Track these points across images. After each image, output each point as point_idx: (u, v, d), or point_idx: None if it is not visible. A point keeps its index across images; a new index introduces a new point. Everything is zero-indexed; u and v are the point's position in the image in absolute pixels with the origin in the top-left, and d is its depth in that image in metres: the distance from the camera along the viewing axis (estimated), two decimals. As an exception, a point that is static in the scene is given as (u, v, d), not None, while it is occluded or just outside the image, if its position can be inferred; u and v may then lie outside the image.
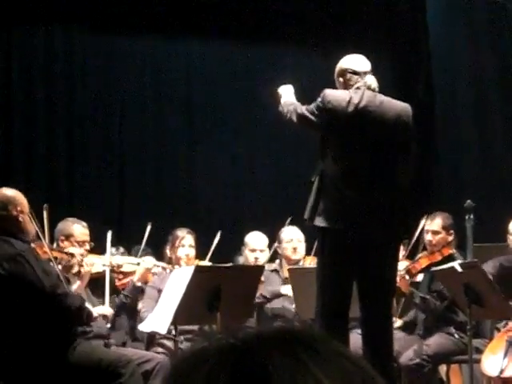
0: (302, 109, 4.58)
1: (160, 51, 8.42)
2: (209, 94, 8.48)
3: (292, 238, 6.31)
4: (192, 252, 5.98)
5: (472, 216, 5.59)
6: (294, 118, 4.57)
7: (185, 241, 5.97)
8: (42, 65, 7.98)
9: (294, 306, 5.80)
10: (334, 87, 4.63)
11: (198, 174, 8.39)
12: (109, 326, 5.42)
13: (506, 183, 7.95)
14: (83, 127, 8.04)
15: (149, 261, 5.72)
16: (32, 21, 7.83)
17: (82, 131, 8.04)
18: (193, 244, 6.00)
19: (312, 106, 4.54)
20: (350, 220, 4.37)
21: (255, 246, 6.36)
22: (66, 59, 8.06)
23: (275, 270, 6.30)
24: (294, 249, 6.29)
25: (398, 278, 5.52)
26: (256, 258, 6.30)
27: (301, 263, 6.25)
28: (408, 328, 6.06)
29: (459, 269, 5.08)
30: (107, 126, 8.18)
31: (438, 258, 5.70)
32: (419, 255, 5.89)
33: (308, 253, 6.32)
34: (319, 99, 4.50)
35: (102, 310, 5.36)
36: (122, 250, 6.21)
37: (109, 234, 5.62)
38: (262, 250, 6.35)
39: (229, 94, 8.48)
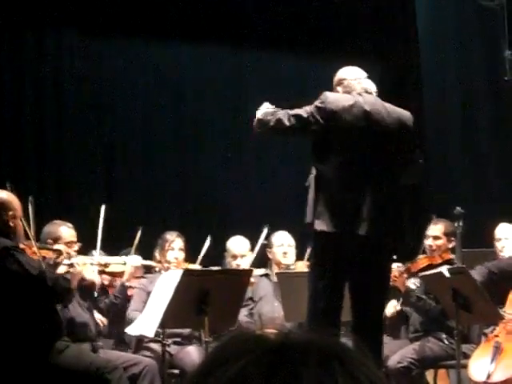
0: (295, 110, 4.45)
1: (150, 54, 8.41)
2: (199, 97, 8.49)
3: (283, 242, 6.28)
4: (181, 255, 5.98)
5: (461, 223, 5.62)
6: (286, 121, 4.38)
7: (174, 244, 5.96)
8: (32, 67, 7.96)
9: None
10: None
11: (187, 177, 8.39)
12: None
13: (493, 189, 7.98)
14: (73, 130, 8.01)
15: (135, 259, 5.69)
16: (22, 23, 7.81)
17: (71, 134, 8.01)
18: (182, 247, 5.99)
19: (308, 108, 4.44)
20: (350, 224, 4.35)
21: (236, 251, 6.32)
22: (56, 62, 8.04)
23: (266, 275, 6.28)
24: (285, 253, 6.25)
25: (397, 274, 5.55)
26: (237, 265, 6.25)
27: (292, 267, 6.24)
28: (394, 331, 6.08)
29: (447, 274, 5.09)
30: (97, 129, 8.17)
31: (438, 260, 5.71)
32: (419, 256, 5.91)
33: (299, 258, 6.32)
34: (318, 101, 4.44)
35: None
36: (103, 253, 6.12)
37: (102, 209, 5.61)
38: (242, 256, 6.30)
39: (219, 98, 8.49)
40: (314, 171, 4.46)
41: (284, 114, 4.43)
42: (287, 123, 4.41)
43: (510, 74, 7.22)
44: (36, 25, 7.92)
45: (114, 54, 8.26)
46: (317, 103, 4.44)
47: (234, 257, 6.31)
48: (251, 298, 6.08)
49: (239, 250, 6.33)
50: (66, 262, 5.05)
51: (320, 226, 4.35)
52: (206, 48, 8.46)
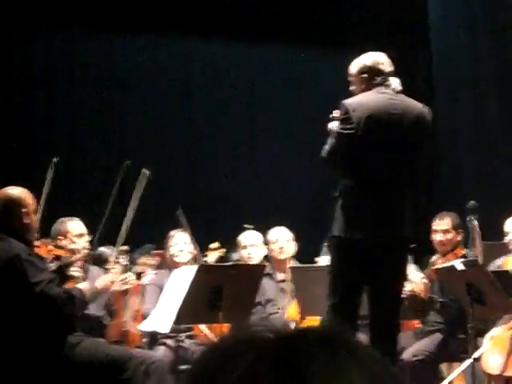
0: (332, 136, 4.38)
1: (160, 50, 8.42)
2: (209, 92, 8.50)
3: (278, 238, 6.30)
4: (187, 247, 5.93)
5: (475, 216, 5.60)
6: (327, 146, 4.35)
7: (176, 239, 5.95)
8: (43, 65, 7.98)
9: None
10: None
11: (199, 170, 8.41)
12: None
13: (506, 182, 7.95)
14: (83, 127, 8.04)
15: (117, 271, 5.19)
16: (32, 21, 7.82)
17: (82, 131, 8.03)
18: (186, 241, 5.95)
19: (337, 127, 4.36)
20: (375, 228, 4.32)
21: (246, 242, 6.31)
22: (67, 59, 8.07)
23: (268, 274, 6.20)
24: (281, 248, 6.27)
25: (422, 287, 5.52)
26: (249, 254, 6.23)
27: (291, 262, 6.22)
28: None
29: (461, 267, 5.08)
30: (107, 126, 8.19)
31: (453, 259, 5.62)
32: (433, 259, 5.88)
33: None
34: (341, 112, 4.34)
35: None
36: (111, 247, 6.09)
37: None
38: (252, 245, 6.27)
39: (230, 92, 8.49)
40: (343, 180, 4.41)
41: (327, 145, 4.39)
42: (329, 148, 4.37)
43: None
44: (46, 23, 7.94)
45: (123, 50, 8.27)
46: (341, 116, 4.34)
47: (245, 247, 6.29)
48: (259, 303, 6.01)
49: (250, 240, 6.32)
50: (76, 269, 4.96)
51: (340, 232, 4.35)
52: (217, 43, 8.47)
